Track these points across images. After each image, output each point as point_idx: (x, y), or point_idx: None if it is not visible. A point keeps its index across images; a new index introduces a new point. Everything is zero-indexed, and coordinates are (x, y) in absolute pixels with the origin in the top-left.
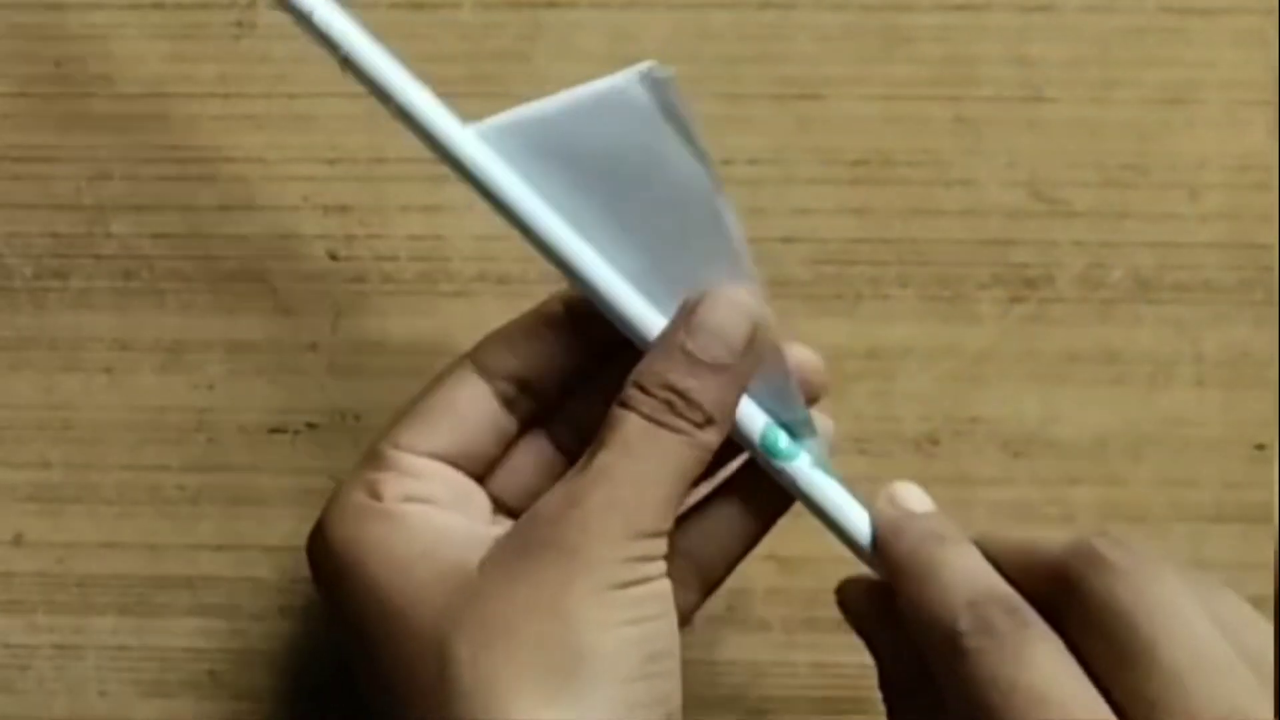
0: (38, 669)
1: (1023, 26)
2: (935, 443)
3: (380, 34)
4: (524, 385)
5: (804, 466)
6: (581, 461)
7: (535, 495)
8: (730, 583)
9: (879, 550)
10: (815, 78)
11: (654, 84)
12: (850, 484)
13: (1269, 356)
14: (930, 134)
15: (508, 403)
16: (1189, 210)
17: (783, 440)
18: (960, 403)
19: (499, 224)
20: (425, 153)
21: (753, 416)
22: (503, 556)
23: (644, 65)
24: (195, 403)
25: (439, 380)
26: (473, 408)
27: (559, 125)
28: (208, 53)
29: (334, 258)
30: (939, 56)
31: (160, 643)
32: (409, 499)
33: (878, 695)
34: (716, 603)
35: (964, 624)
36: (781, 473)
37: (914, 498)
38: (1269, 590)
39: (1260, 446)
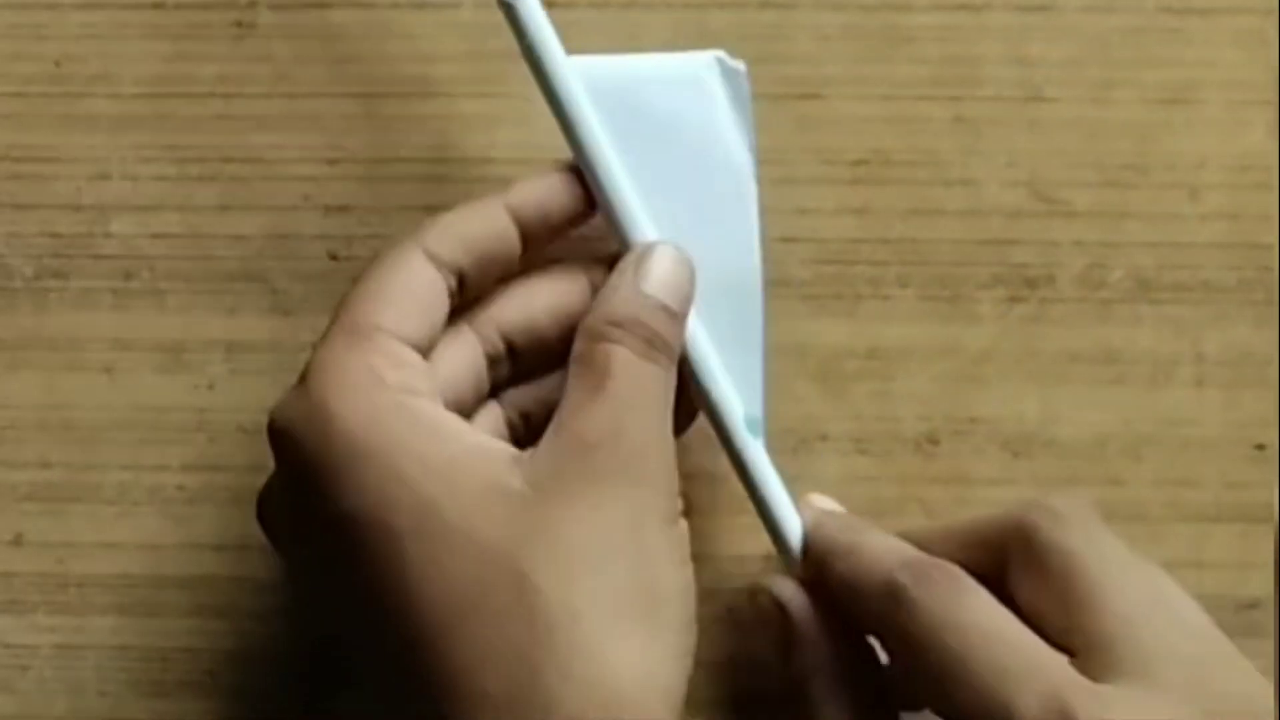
0: (38, 669)
1: (1023, 26)
2: (935, 443)
3: (380, 34)
4: (463, 279)
5: (762, 451)
6: (577, 387)
7: (462, 394)
8: (730, 584)
9: (812, 535)
10: (815, 78)
11: (727, 71)
12: (851, 483)
13: (1269, 356)
14: (930, 134)
15: (449, 295)
16: (1189, 210)
17: (758, 425)
18: (960, 403)
19: None
20: (425, 153)
21: (732, 397)
22: (561, 482)
23: (719, 52)
24: (195, 403)
25: (395, 264)
26: (432, 298)
27: (633, 79)
28: (208, 53)
29: (334, 258)
30: (939, 56)
31: (160, 643)
32: (413, 393)
33: None
34: (716, 604)
35: (903, 577)
36: (743, 450)
37: (829, 503)
38: (1269, 590)
39: (1260, 446)
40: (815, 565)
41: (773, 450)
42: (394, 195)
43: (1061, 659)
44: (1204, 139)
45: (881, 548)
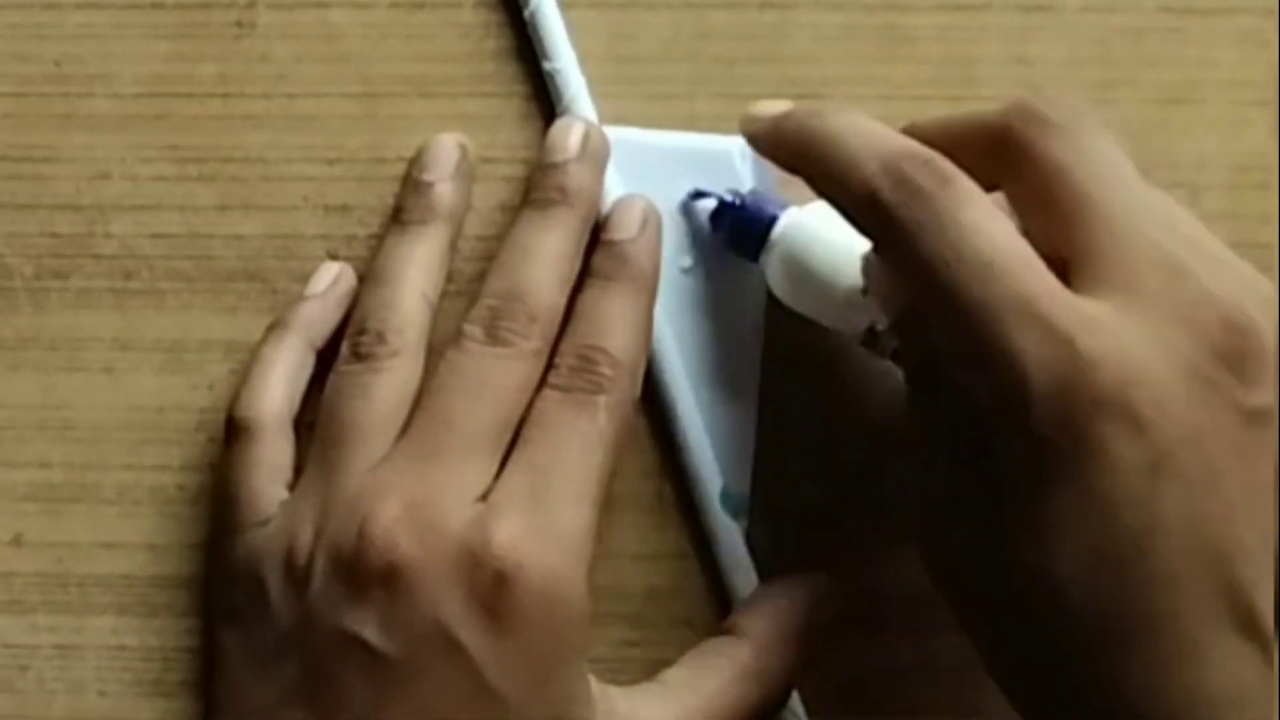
0: (38, 669)
1: (1023, 26)
2: None
3: (380, 34)
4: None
5: (735, 532)
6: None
7: None
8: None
9: (766, 145)
10: (815, 78)
11: (752, 157)
12: None
13: None
14: None
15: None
16: (1189, 210)
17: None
18: None
19: (498, 225)
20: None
21: (714, 478)
22: None
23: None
24: (195, 403)
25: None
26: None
27: (661, 153)
28: (208, 53)
29: (334, 258)
30: (939, 56)
31: (160, 643)
32: None
33: (877, 695)
34: (716, 608)
35: (883, 189)
36: (714, 525)
37: (776, 105)
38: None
39: None
40: (789, 165)
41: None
42: (394, 195)
43: (1050, 278)
44: (1204, 139)
45: (856, 142)
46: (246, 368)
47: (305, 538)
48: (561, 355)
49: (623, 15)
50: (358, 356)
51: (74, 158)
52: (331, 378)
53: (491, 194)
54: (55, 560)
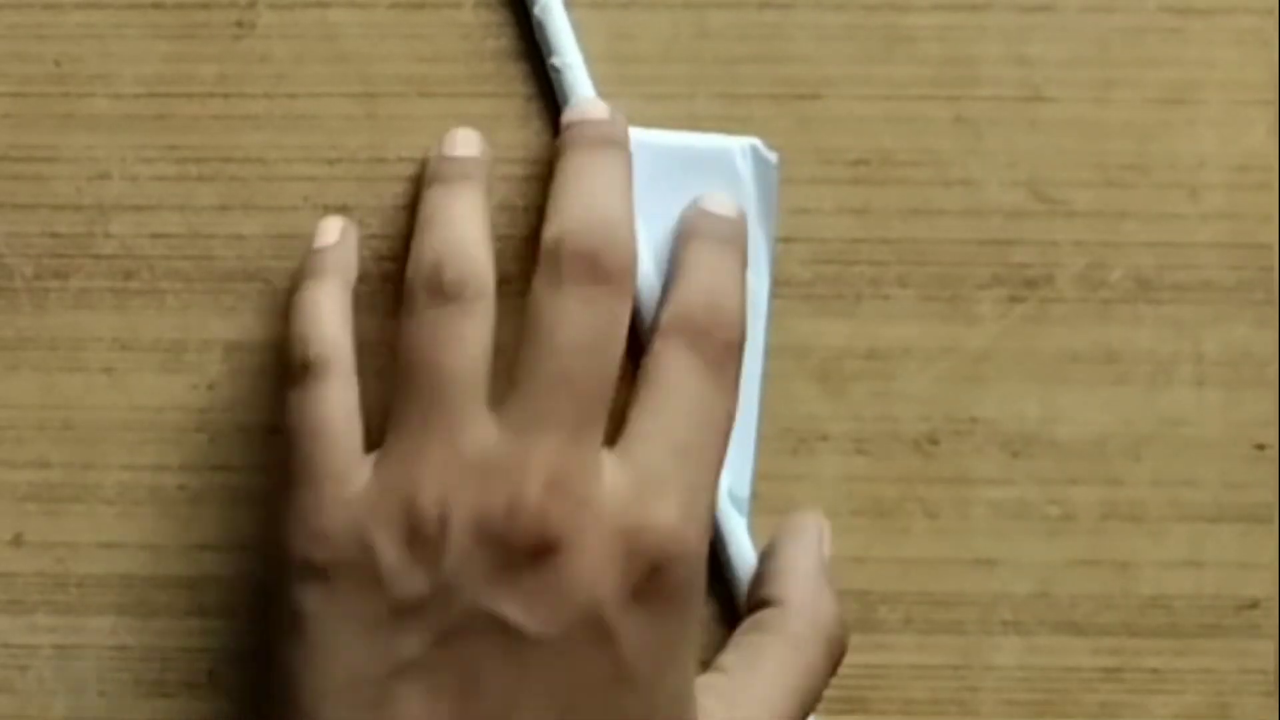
0: (38, 669)
1: (1023, 26)
2: (935, 443)
3: (380, 34)
4: None
5: (743, 527)
6: None
7: None
8: None
9: None
10: (815, 78)
11: (759, 159)
12: (851, 483)
13: (1269, 356)
14: (930, 134)
15: None
16: (1189, 210)
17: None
18: (960, 403)
19: (499, 225)
20: (425, 153)
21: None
22: None
23: (755, 140)
24: (195, 403)
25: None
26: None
27: (664, 153)
28: (208, 53)
29: None
30: (939, 56)
31: (160, 643)
32: None
33: (877, 695)
34: (719, 607)
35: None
36: (723, 522)
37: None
38: (1269, 590)
39: (1260, 446)
40: None
41: (773, 451)
42: (394, 195)
43: None
44: (1204, 139)
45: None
46: (289, 316)
47: (428, 502)
48: (680, 307)
49: (623, 15)
50: (444, 297)
51: (74, 158)
52: (410, 324)
53: (492, 194)
54: (55, 560)
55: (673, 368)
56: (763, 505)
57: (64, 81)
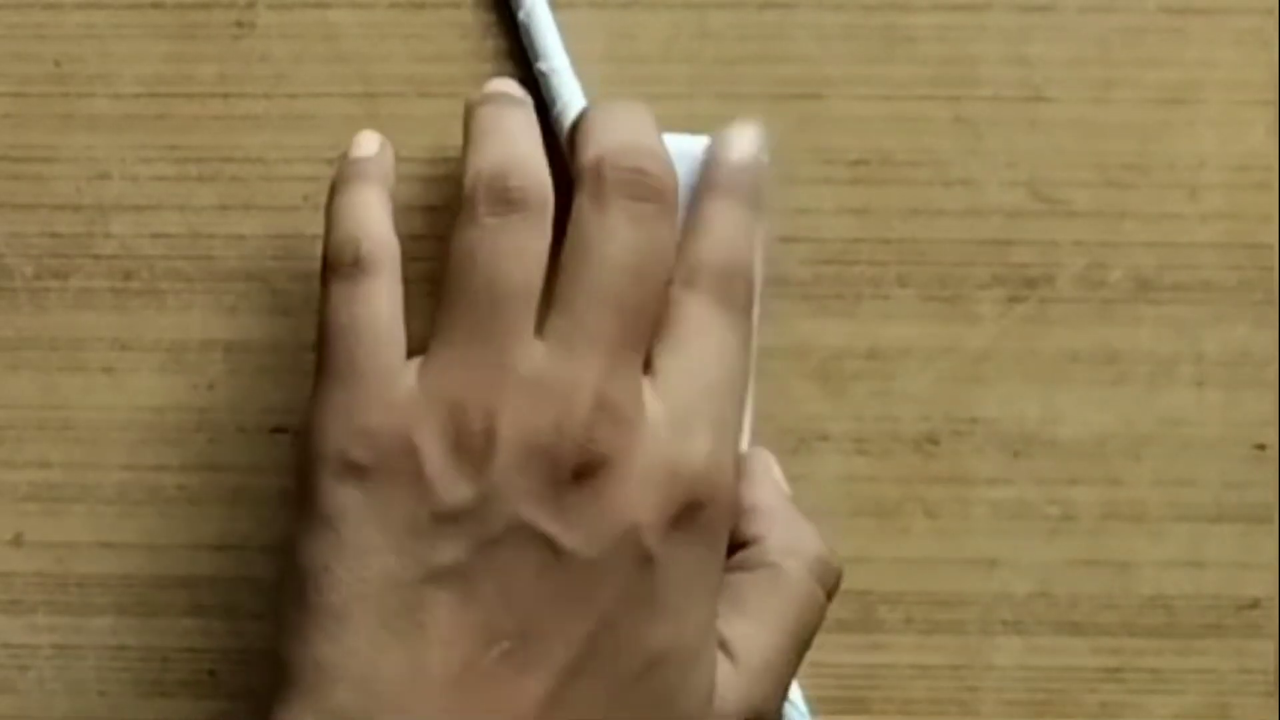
0: (38, 669)
1: (1023, 26)
2: (935, 443)
3: (380, 34)
4: None
5: None
6: None
7: None
8: None
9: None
10: (815, 78)
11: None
12: (851, 483)
13: (1269, 356)
14: (930, 134)
15: None
16: (1189, 210)
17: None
18: (960, 403)
19: None
20: (425, 153)
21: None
22: None
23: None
24: (195, 403)
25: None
26: None
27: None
28: (208, 53)
29: None
30: (939, 56)
31: (160, 643)
32: None
33: (877, 695)
34: None
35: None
36: None
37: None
38: (1269, 590)
39: (1260, 446)
40: None
41: (772, 451)
42: (394, 195)
43: None
44: (1204, 139)
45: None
46: (330, 217)
47: (476, 412)
48: (700, 255)
49: (622, 15)
50: (507, 205)
51: (74, 158)
52: (469, 230)
53: None
54: (55, 560)
55: (694, 315)
56: None
57: (64, 81)
